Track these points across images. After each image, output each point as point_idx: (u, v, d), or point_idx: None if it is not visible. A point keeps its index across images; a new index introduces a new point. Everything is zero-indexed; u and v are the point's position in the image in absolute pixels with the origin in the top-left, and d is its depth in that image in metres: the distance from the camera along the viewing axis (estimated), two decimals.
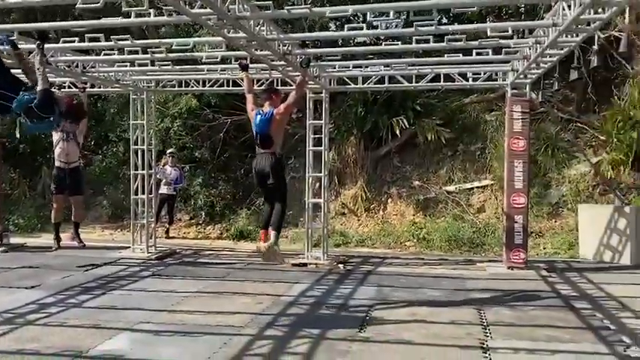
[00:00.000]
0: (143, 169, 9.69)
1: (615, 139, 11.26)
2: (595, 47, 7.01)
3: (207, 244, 11.40)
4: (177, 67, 8.57)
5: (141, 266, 8.60)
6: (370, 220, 12.34)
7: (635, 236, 8.84)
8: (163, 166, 11.91)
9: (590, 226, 9.56)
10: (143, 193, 9.68)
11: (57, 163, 8.42)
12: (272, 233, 6.10)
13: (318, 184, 10.25)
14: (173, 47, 7.10)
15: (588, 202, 11.01)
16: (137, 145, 9.76)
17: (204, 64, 8.17)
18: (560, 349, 4.74)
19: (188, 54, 7.39)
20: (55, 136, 8.54)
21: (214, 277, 7.77)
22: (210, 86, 9.48)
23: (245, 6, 5.42)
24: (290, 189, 12.85)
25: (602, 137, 11.91)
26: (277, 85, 8.88)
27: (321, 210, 9.38)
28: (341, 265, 8.72)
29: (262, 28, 6.06)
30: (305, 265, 8.77)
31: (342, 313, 6.01)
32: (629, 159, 11.08)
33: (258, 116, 6.06)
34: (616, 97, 11.84)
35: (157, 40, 8.00)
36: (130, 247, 9.71)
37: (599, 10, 5.18)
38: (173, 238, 11.96)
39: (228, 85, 9.33)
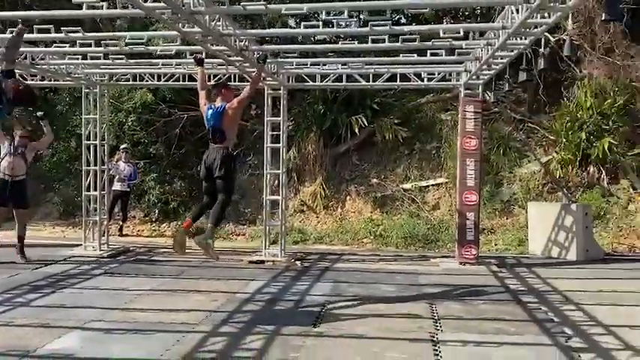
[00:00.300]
0: (95, 165, 9.46)
1: (564, 139, 11.74)
2: (542, 50, 7.29)
3: (161, 241, 11.21)
4: (132, 60, 8.40)
5: (93, 264, 8.40)
6: (329, 217, 12.43)
7: (581, 233, 9.21)
8: (117, 161, 11.65)
9: (539, 224, 9.90)
10: (95, 189, 9.45)
11: (1, 175, 8.21)
12: (208, 227, 5.89)
13: (276, 181, 10.26)
14: (127, 40, 6.96)
15: (538, 200, 11.41)
16: (89, 140, 9.52)
17: (159, 58, 8.04)
18: (506, 341, 4.91)
19: (142, 47, 7.24)
20: (3, 149, 8.36)
21: (168, 275, 7.68)
22: (165, 81, 9.33)
23: (200, 0, 5.37)
24: (248, 186, 12.96)
25: (551, 137, 12.38)
26: (235, 81, 8.85)
27: (279, 207, 9.38)
28: (298, 262, 8.75)
29: (218, 23, 6.01)
30: (262, 262, 8.75)
31: (298, 310, 6.04)
32: (577, 158, 11.57)
33: (210, 110, 5.98)
34: (565, 99, 12.33)
35: (109, 33, 7.81)
36: (81, 244, 9.48)
37: (546, 14, 5.38)
38: (127, 235, 11.72)
39: (184, 80, 9.20)
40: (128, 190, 11.82)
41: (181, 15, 5.39)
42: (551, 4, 4.96)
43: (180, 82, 9.28)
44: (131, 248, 9.96)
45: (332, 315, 5.74)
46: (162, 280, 7.33)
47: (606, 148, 11.12)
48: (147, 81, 9.48)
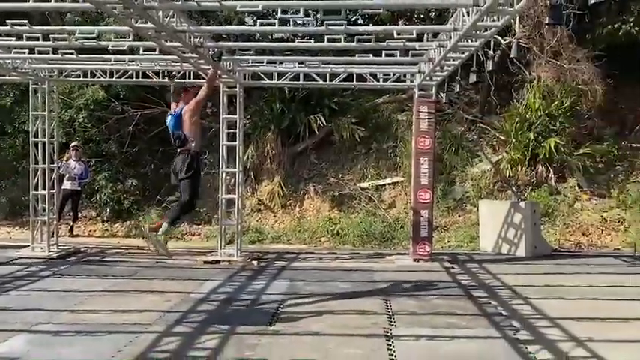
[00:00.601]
0: (44, 163, 9.15)
1: (514, 140, 12.13)
2: (491, 52, 7.52)
3: (114, 242, 10.95)
4: (82, 56, 8.16)
5: (41, 265, 8.14)
6: (286, 216, 12.41)
7: (530, 230, 9.52)
8: (67, 160, 11.29)
9: (489, 221, 10.19)
10: (44, 188, 9.15)
11: None
12: (163, 224, 5.90)
13: (232, 180, 10.17)
14: (77, 35, 6.77)
15: (489, 198, 11.73)
16: (38, 137, 9.20)
17: (112, 53, 7.85)
18: (457, 334, 5.05)
19: (93, 43, 7.05)
20: None
21: (121, 276, 7.51)
22: (118, 77, 9.11)
23: None
24: (203, 185, 12.73)
25: (502, 137, 12.76)
26: (190, 78, 8.74)
27: (236, 206, 9.31)
28: (255, 262, 8.71)
29: (172, 19, 5.92)
30: (217, 262, 8.66)
31: (253, 308, 6.02)
32: (526, 158, 11.97)
33: (169, 117, 6.04)
34: (515, 100, 12.73)
35: (58, 27, 7.56)
36: (29, 245, 9.16)
37: (495, 17, 5.54)
38: (77, 236, 11.38)
39: (137, 77, 9.01)
40: (79, 189, 11.47)
41: (134, 10, 5.27)
42: (500, 7, 5.12)
43: (134, 79, 9.08)
44: (82, 249, 9.70)
45: (288, 313, 5.75)
46: (115, 281, 7.16)
47: (553, 148, 11.55)
48: (98, 77, 9.23)
